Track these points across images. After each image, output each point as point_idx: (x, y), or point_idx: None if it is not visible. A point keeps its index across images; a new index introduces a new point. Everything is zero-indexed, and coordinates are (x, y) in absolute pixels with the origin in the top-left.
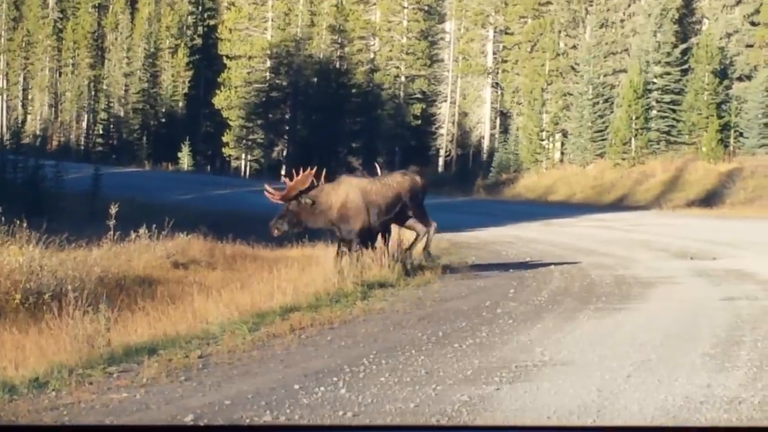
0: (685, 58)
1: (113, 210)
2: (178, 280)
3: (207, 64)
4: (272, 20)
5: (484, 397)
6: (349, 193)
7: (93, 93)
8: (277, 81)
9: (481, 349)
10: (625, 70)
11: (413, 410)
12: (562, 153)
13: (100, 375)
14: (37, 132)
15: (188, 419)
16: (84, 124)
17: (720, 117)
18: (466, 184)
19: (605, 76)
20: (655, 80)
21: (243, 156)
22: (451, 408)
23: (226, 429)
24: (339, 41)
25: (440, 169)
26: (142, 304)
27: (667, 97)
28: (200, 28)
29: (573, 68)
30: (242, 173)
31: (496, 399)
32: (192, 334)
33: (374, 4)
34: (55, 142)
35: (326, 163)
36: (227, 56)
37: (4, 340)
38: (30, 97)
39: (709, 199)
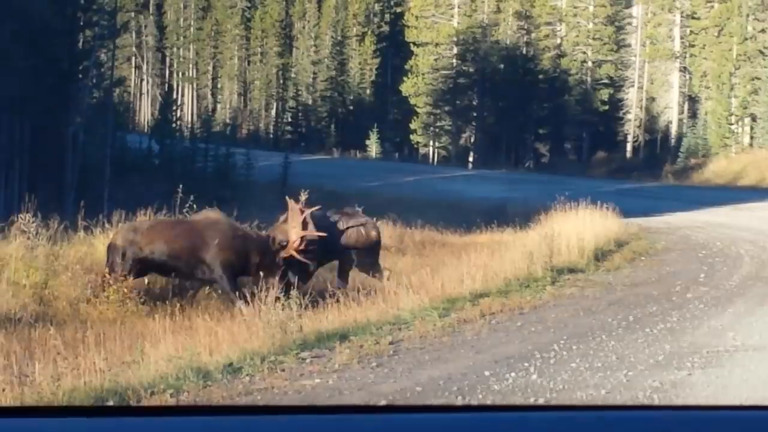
0: None
1: (303, 197)
2: None
3: (394, 51)
4: (458, 7)
5: (676, 382)
6: None
7: (281, 81)
8: (464, 68)
9: (672, 333)
10: None
11: (605, 397)
12: (752, 137)
13: (293, 361)
14: (227, 120)
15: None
16: (273, 113)
17: None
18: (654, 169)
19: None
20: None
21: (431, 143)
22: (642, 394)
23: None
24: (525, 27)
25: (629, 154)
26: (332, 291)
27: None
28: (387, 16)
29: (761, 52)
30: (430, 160)
31: (688, 384)
32: (383, 321)
33: None
34: (244, 131)
35: (514, 149)
36: (414, 43)
37: (197, 326)
38: (219, 85)
39: None
